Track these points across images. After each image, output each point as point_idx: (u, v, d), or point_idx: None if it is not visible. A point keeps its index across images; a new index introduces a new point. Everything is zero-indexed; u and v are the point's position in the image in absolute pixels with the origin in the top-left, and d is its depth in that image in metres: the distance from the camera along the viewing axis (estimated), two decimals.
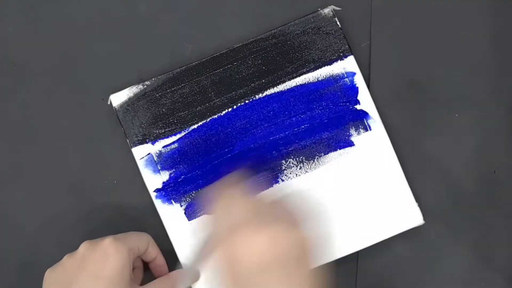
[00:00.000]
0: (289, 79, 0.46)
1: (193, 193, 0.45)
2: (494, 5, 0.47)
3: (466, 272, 0.46)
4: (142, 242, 0.42)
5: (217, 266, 0.36)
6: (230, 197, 0.39)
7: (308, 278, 0.37)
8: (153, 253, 0.43)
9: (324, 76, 0.46)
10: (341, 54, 0.46)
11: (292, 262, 0.36)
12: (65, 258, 0.40)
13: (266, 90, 0.46)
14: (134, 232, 0.43)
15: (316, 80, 0.46)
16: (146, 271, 0.45)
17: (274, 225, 0.36)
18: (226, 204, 0.38)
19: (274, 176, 0.45)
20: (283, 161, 0.45)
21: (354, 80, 0.46)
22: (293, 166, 0.45)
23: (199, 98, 0.46)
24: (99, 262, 0.38)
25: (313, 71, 0.46)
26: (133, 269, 0.42)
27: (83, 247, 0.40)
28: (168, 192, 0.45)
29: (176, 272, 0.43)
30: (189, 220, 0.45)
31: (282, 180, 0.45)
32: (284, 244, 0.35)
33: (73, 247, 0.40)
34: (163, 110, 0.46)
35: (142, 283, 0.41)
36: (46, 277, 0.40)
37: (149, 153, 0.45)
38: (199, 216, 0.45)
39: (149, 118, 0.45)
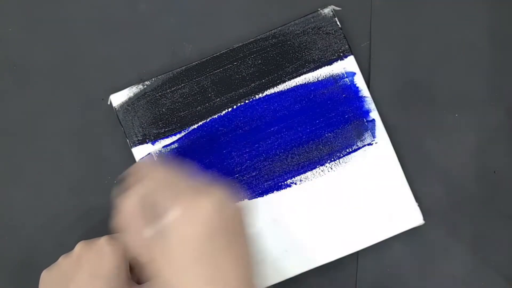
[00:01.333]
0: (289, 79, 0.46)
1: None
2: (494, 5, 0.47)
3: (466, 272, 0.46)
4: None
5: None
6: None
7: (245, 253, 0.37)
8: None
9: (324, 76, 0.46)
10: (341, 54, 0.46)
11: (233, 232, 0.36)
12: (60, 258, 0.40)
13: (266, 90, 0.46)
14: None
15: (316, 80, 0.46)
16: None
17: (215, 192, 0.36)
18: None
19: (274, 176, 0.45)
20: (284, 161, 0.45)
21: (354, 80, 0.46)
22: (293, 166, 0.45)
23: (199, 98, 0.46)
24: (95, 262, 0.38)
25: (313, 71, 0.46)
26: (130, 268, 0.42)
27: (79, 247, 0.40)
28: None
29: None
30: None
31: (283, 180, 0.45)
32: (228, 211, 0.35)
33: (73, 247, 0.40)
34: (163, 110, 0.46)
35: (139, 284, 0.41)
36: (42, 278, 0.40)
37: (149, 153, 0.45)
38: None
39: (149, 118, 0.46)
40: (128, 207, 0.37)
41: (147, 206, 0.36)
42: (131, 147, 0.45)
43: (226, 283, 0.34)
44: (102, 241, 0.39)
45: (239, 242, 0.36)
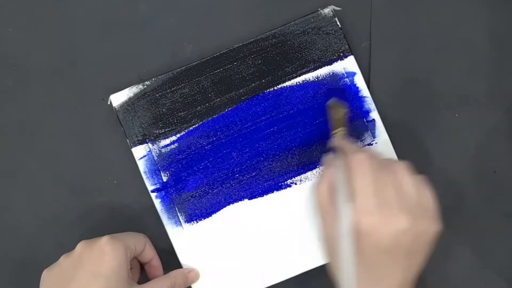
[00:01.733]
0: (289, 79, 0.46)
1: (193, 193, 0.45)
2: (494, 5, 0.47)
3: (466, 272, 0.46)
4: (139, 243, 0.42)
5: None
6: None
7: (414, 275, 0.37)
8: (150, 254, 0.43)
9: (324, 76, 0.46)
10: (341, 54, 0.46)
11: (415, 252, 0.36)
12: (62, 258, 0.40)
13: (266, 90, 0.46)
14: (131, 232, 0.43)
15: (316, 80, 0.46)
16: (142, 271, 0.45)
17: (416, 209, 0.36)
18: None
19: (274, 176, 0.45)
20: (284, 161, 0.45)
21: (354, 80, 0.46)
22: (293, 166, 0.45)
23: (199, 98, 0.46)
24: (96, 261, 0.39)
25: (313, 71, 0.46)
26: (130, 269, 0.42)
27: (80, 246, 0.40)
28: (168, 192, 0.45)
29: (176, 271, 0.43)
30: (189, 221, 0.45)
31: (283, 180, 0.45)
32: (420, 231, 0.36)
33: (73, 247, 0.40)
34: (163, 110, 0.46)
35: (139, 284, 0.41)
36: (43, 277, 0.40)
37: (149, 153, 0.45)
38: (199, 216, 0.45)
39: (149, 118, 0.46)
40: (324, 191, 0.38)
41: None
42: (131, 147, 0.45)
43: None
44: (103, 241, 0.39)
45: (417, 258, 0.37)
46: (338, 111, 0.44)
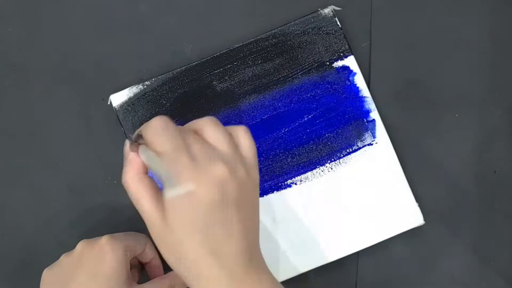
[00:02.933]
0: (289, 79, 0.46)
1: None
2: (494, 5, 0.47)
3: (466, 272, 0.46)
4: (140, 242, 0.42)
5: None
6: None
7: (254, 237, 0.36)
8: (150, 254, 0.43)
9: (324, 76, 0.46)
10: (341, 54, 0.46)
11: (245, 204, 0.34)
12: (62, 257, 0.40)
13: (266, 90, 0.46)
14: (131, 232, 0.43)
15: (316, 80, 0.46)
16: (142, 271, 0.45)
17: (231, 157, 0.34)
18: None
19: (274, 176, 0.45)
20: (284, 161, 0.45)
21: (354, 80, 0.46)
22: (293, 166, 0.45)
23: (199, 98, 0.46)
24: (96, 260, 0.39)
25: (313, 71, 0.46)
26: (131, 268, 0.42)
27: (80, 246, 0.40)
28: None
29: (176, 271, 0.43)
30: None
31: (283, 180, 0.45)
32: (242, 178, 0.34)
33: (73, 247, 0.40)
34: (163, 110, 0.46)
35: (139, 283, 0.41)
36: (44, 276, 0.40)
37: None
38: None
39: (149, 118, 0.45)
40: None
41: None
42: None
43: (229, 252, 0.34)
44: (103, 240, 0.39)
45: (249, 205, 0.35)
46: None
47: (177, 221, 0.33)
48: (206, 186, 0.33)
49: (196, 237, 0.33)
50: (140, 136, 0.35)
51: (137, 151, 0.36)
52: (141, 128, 0.35)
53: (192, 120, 0.45)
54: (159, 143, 0.34)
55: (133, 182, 0.35)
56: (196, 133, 0.35)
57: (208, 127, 0.35)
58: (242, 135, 0.36)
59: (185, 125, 0.36)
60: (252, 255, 0.35)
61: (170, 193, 0.33)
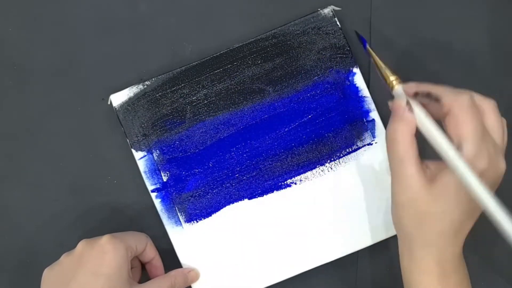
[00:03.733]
0: (289, 79, 0.46)
1: (193, 192, 0.45)
2: (494, 5, 0.47)
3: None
4: (140, 242, 0.42)
5: None
6: None
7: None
8: (151, 253, 0.43)
9: (324, 76, 0.46)
10: (341, 54, 0.46)
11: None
12: (63, 257, 0.40)
13: (266, 90, 0.46)
14: (132, 231, 0.43)
15: (315, 80, 0.46)
16: (143, 271, 0.45)
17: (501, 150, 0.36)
18: None
19: (274, 176, 0.45)
20: (284, 161, 0.45)
21: (354, 80, 0.46)
22: (293, 166, 0.45)
23: (199, 98, 0.46)
24: (96, 260, 0.39)
25: (313, 71, 0.46)
26: (131, 268, 0.42)
27: (81, 245, 0.40)
28: (168, 192, 0.45)
29: (176, 271, 0.43)
30: (189, 220, 0.45)
31: (283, 180, 0.45)
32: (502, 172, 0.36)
33: (73, 247, 0.40)
34: (163, 110, 0.46)
35: (140, 283, 0.41)
36: (45, 276, 0.40)
37: (149, 153, 0.45)
38: (199, 215, 0.45)
39: (149, 118, 0.46)
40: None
41: None
42: (131, 147, 0.45)
43: (461, 240, 0.37)
44: (104, 240, 0.39)
45: None
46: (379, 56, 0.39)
47: (446, 195, 0.35)
48: (491, 178, 0.34)
49: (453, 214, 0.35)
50: (429, 96, 0.35)
51: (411, 110, 0.36)
52: (440, 89, 0.36)
53: (191, 119, 0.45)
54: (471, 125, 0.34)
55: (405, 141, 0.35)
56: (485, 115, 0.36)
57: (493, 115, 0.36)
58: (505, 126, 0.37)
59: (463, 98, 0.35)
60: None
61: (457, 170, 0.33)
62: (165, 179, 0.45)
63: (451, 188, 0.35)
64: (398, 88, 0.37)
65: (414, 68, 0.47)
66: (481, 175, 0.33)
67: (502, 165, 0.35)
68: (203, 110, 0.46)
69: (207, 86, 0.46)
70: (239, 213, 0.45)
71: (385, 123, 0.45)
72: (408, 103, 0.36)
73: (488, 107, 0.36)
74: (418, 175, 0.35)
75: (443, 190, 0.35)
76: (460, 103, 0.35)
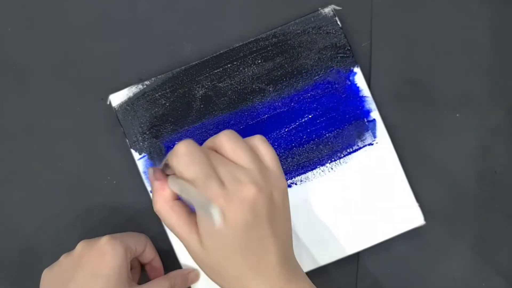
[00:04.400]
0: (289, 79, 0.46)
1: None
2: (494, 5, 0.47)
3: (467, 272, 0.46)
4: (140, 243, 0.42)
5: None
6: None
7: (286, 225, 0.37)
8: (150, 254, 0.43)
9: (325, 76, 0.46)
10: (342, 54, 0.46)
11: (276, 217, 0.35)
12: (62, 257, 0.40)
13: (266, 90, 0.46)
14: (132, 232, 0.43)
15: (316, 80, 0.46)
16: (142, 272, 0.45)
17: (255, 172, 0.35)
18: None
19: None
20: (284, 161, 0.45)
21: (355, 80, 0.46)
22: (293, 166, 0.45)
23: (198, 98, 0.46)
24: (96, 261, 0.39)
25: (313, 71, 0.46)
26: (131, 269, 0.42)
27: (80, 246, 0.40)
28: None
29: (175, 272, 0.43)
30: None
31: None
32: (269, 192, 0.35)
33: (72, 248, 0.40)
34: (163, 110, 0.46)
35: (139, 284, 0.41)
36: (44, 277, 0.40)
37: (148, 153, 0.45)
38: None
39: (148, 118, 0.45)
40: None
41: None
42: (131, 147, 0.45)
43: (268, 265, 0.35)
44: (103, 240, 0.39)
45: (281, 216, 0.36)
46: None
47: (215, 245, 0.35)
48: (239, 209, 0.34)
49: (234, 257, 0.35)
50: (167, 165, 0.36)
51: (163, 179, 0.36)
52: (167, 157, 0.36)
53: (191, 119, 0.45)
54: (189, 172, 0.34)
55: (165, 210, 0.36)
56: (217, 151, 0.36)
57: (227, 144, 0.36)
58: (262, 146, 0.37)
59: (205, 144, 0.37)
60: (289, 263, 0.36)
61: (204, 220, 0.34)
62: None
63: (214, 235, 0.34)
64: (149, 169, 0.38)
65: (414, 68, 0.47)
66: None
67: (246, 192, 0.34)
68: (203, 110, 0.46)
69: (207, 86, 0.46)
70: None
71: (386, 123, 0.45)
72: (159, 174, 0.37)
73: (219, 141, 0.36)
74: (190, 236, 0.35)
75: (211, 242, 0.35)
76: (174, 159, 0.35)
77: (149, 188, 0.45)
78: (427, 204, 0.45)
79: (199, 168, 0.34)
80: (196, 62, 0.46)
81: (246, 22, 0.47)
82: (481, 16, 0.47)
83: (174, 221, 0.36)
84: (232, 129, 0.45)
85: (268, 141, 0.45)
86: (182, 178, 0.34)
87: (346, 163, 0.45)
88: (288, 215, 0.37)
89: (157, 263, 0.44)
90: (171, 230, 0.36)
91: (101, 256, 0.39)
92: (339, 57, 0.46)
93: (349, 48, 0.46)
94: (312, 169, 0.45)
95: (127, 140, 0.45)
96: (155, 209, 0.37)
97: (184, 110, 0.46)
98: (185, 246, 0.36)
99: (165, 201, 0.36)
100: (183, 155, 0.34)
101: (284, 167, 0.45)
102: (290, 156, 0.45)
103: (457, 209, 0.46)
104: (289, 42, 0.46)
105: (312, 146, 0.45)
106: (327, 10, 0.46)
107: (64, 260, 0.40)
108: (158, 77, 0.46)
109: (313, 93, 0.46)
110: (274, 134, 0.45)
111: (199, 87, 0.46)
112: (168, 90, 0.46)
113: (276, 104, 0.46)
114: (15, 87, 0.47)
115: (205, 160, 0.34)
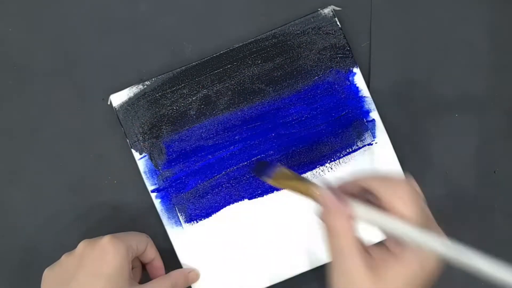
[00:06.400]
0: (289, 79, 0.46)
1: (193, 192, 0.45)
2: (494, 5, 0.47)
3: (467, 272, 0.46)
4: (141, 242, 0.42)
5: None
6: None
7: None
8: (152, 254, 0.43)
9: (324, 77, 0.46)
10: (341, 54, 0.46)
11: None
12: (63, 257, 0.40)
13: (266, 90, 0.46)
14: (133, 232, 0.43)
15: (316, 80, 0.46)
16: (143, 271, 0.45)
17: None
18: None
19: None
20: (284, 161, 0.45)
21: (354, 80, 0.46)
22: (293, 166, 0.45)
23: (199, 98, 0.46)
24: (97, 260, 0.39)
25: (313, 71, 0.46)
26: (132, 268, 0.42)
27: (82, 245, 0.40)
28: (168, 192, 0.45)
29: (176, 272, 0.43)
30: (189, 221, 0.45)
31: None
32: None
33: (73, 247, 0.40)
34: (163, 110, 0.46)
35: (141, 283, 0.41)
36: (45, 276, 0.40)
37: (149, 153, 0.45)
38: (199, 216, 0.45)
39: (149, 118, 0.46)
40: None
41: None
42: (131, 147, 0.45)
43: None
44: (105, 240, 0.39)
45: None
46: (286, 176, 0.37)
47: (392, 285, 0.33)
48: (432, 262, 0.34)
49: None
50: (366, 191, 0.34)
51: (345, 202, 0.34)
52: (374, 183, 0.34)
53: (191, 119, 0.45)
54: (412, 212, 0.33)
55: (348, 234, 0.33)
56: None
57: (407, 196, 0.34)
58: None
59: (403, 191, 0.35)
60: None
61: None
62: (165, 179, 0.45)
63: (399, 283, 0.33)
64: (323, 191, 0.35)
65: (414, 68, 0.47)
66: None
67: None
68: (203, 110, 0.46)
69: (207, 86, 0.46)
70: (239, 214, 0.45)
71: (385, 123, 0.45)
72: (342, 196, 0.34)
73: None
74: (363, 268, 0.33)
75: (391, 284, 0.33)
76: (402, 199, 0.34)
77: (149, 188, 0.45)
78: (426, 203, 0.45)
79: (421, 211, 0.34)
80: (196, 62, 0.46)
81: (246, 22, 0.47)
82: (481, 16, 0.47)
83: (350, 248, 0.33)
84: (232, 129, 0.45)
85: (268, 141, 0.45)
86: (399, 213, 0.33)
87: (345, 163, 0.45)
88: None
89: (158, 262, 0.44)
90: (338, 256, 0.34)
91: (103, 256, 0.39)
92: (338, 58, 0.46)
93: (348, 48, 0.46)
94: (312, 169, 0.45)
95: (128, 140, 0.45)
96: (332, 231, 0.34)
97: (185, 110, 0.46)
98: (344, 271, 0.34)
99: (349, 228, 0.33)
100: (409, 193, 0.34)
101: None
102: (290, 156, 0.45)
103: (457, 209, 0.46)
104: (288, 42, 0.46)
105: (312, 146, 0.45)
106: (327, 10, 0.46)
107: (65, 259, 0.40)
108: (159, 77, 0.46)
109: (312, 93, 0.46)
110: (274, 134, 0.45)
111: (199, 87, 0.46)
112: (168, 90, 0.46)
113: (276, 104, 0.46)
114: (15, 87, 0.47)
115: (424, 206, 0.35)
